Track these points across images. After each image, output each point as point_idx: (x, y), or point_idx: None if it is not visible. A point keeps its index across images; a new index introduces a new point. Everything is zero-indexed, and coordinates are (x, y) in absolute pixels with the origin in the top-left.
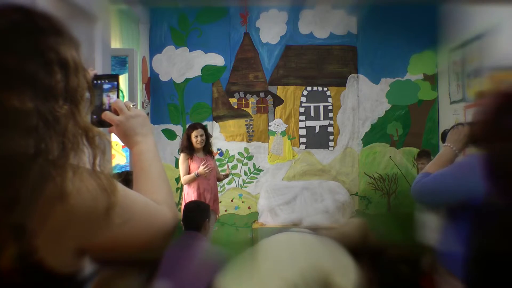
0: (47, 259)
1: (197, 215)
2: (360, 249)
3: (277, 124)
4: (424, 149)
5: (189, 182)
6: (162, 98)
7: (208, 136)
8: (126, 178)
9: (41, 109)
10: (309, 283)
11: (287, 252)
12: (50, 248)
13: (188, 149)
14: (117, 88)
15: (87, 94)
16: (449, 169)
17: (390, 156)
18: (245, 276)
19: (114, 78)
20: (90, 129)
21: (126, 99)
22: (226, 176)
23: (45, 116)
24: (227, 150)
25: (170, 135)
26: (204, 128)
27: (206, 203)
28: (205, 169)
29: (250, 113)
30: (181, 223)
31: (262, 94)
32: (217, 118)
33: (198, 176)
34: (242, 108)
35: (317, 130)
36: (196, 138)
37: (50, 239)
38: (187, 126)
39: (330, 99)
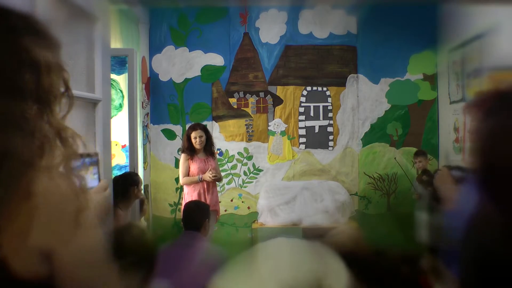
0: (11, 258)
1: (197, 215)
2: (350, 259)
3: (276, 124)
4: (421, 149)
5: (189, 184)
6: (162, 98)
7: (209, 137)
8: (132, 179)
9: (9, 109)
10: (304, 286)
11: (283, 256)
12: (15, 247)
13: (189, 149)
14: (97, 165)
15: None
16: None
17: (395, 158)
18: (242, 277)
19: (94, 156)
20: (64, 129)
21: (126, 99)
22: (218, 179)
23: (14, 116)
24: (226, 150)
25: (170, 135)
26: (205, 129)
27: (206, 203)
28: (211, 175)
29: (250, 113)
30: (181, 223)
31: (261, 94)
32: (216, 118)
33: (201, 181)
34: (242, 108)
35: (316, 130)
36: (195, 139)
37: (15, 238)
38: (187, 126)
39: (329, 99)
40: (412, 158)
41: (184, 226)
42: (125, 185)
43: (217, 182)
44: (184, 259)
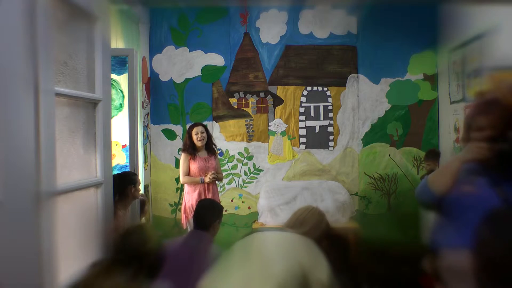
0: None
1: (210, 214)
2: (317, 234)
3: (277, 124)
4: (433, 149)
5: (189, 184)
6: (162, 98)
7: (209, 136)
8: (130, 178)
9: None
10: (294, 279)
11: (273, 251)
12: None
13: (190, 148)
14: None
15: None
16: None
17: (389, 155)
18: (230, 275)
19: None
20: None
21: (126, 99)
22: (218, 179)
23: None
24: (227, 150)
25: (170, 135)
26: (205, 127)
27: (220, 203)
28: (210, 176)
29: (250, 113)
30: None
31: (262, 94)
32: (217, 118)
33: (203, 182)
34: (242, 108)
35: (317, 130)
36: (196, 135)
37: None
38: (187, 126)
39: (330, 99)
40: (413, 158)
41: (195, 223)
42: (123, 185)
43: (217, 182)
44: (190, 260)
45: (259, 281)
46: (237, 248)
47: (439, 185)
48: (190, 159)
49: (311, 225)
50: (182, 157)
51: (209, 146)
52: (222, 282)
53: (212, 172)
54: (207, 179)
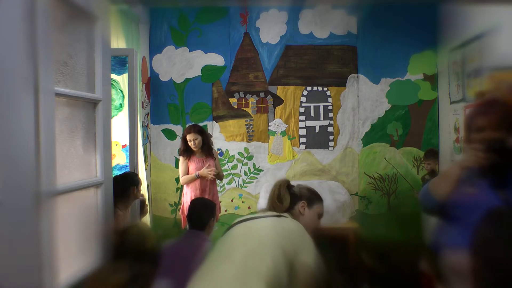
0: None
1: (203, 213)
2: (284, 204)
3: (277, 124)
4: (432, 148)
5: (188, 183)
6: (162, 98)
7: (206, 138)
8: (132, 179)
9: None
10: (278, 266)
11: (255, 242)
12: None
13: (186, 151)
14: None
15: None
16: None
17: (385, 158)
18: (212, 273)
19: None
20: None
21: (126, 99)
22: (219, 177)
23: None
24: (227, 150)
25: (170, 135)
26: (200, 130)
27: (212, 201)
28: (208, 171)
29: (250, 113)
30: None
31: (262, 94)
32: (217, 118)
33: (198, 177)
34: (242, 108)
35: (317, 130)
36: (190, 142)
37: None
38: (187, 126)
39: (330, 99)
40: (413, 158)
41: (189, 223)
42: (125, 185)
43: (217, 182)
44: (187, 259)
45: (243, 276)
46: (218, 245)
47: (440, 190)
48: (188, 160)
49: (272, 200)
50: (180, 160)
51: (205, 148)
52: (205, 281)
53: (209, 166)
54: (204, 173)
